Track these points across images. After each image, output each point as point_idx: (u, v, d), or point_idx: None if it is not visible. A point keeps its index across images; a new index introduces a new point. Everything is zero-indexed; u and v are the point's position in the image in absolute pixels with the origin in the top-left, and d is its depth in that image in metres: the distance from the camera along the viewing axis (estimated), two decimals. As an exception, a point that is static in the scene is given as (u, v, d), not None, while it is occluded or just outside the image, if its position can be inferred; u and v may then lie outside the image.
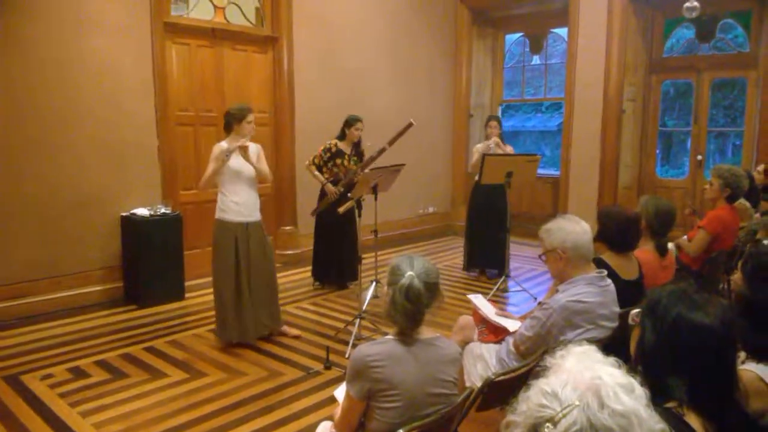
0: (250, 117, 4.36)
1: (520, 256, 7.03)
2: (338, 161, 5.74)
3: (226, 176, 4.32)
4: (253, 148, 4.38)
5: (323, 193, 5.73)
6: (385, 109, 7.72)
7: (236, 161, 4.27)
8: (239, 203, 4.36)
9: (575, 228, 2.69)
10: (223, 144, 4.34)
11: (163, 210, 5.57)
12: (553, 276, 2.90)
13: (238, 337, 4.43)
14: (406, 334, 2.10)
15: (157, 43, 5.66)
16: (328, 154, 5.72)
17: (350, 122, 5.75)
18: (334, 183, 5.64)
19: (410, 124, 5.17)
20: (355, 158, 5.80)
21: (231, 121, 4.36)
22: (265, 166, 4.48)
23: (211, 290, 5.79)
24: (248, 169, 4.35)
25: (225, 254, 4.37)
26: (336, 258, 5.92)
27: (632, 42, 7.61)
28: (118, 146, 5.52)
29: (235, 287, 4.39)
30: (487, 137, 6.36)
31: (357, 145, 5.85)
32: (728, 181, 4.36)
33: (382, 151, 5.40)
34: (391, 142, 5.34)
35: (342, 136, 5.80)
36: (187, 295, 5.65)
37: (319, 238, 5.96)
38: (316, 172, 5.73)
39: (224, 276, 4.38)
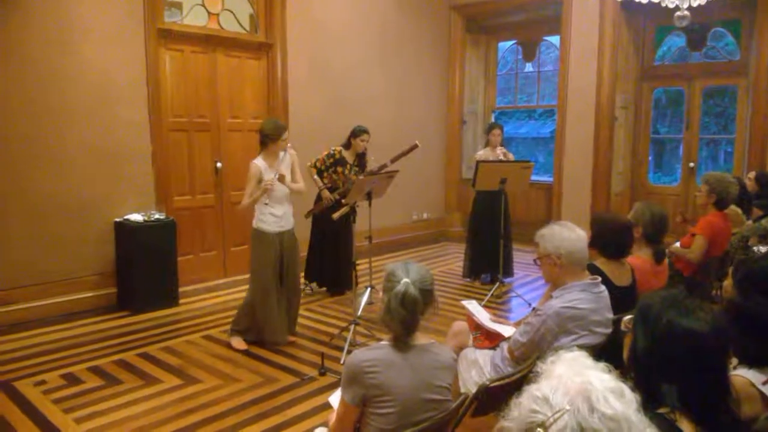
0: (285, 135, 4.48)
1: (514, 261, 7.03)
2: (339, 169, 5.74)
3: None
4: (287, 159, 4.50)
5: (320, 198, 5.75)
6: (379, 115, 7.75)
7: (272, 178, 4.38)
8: (276, 215, 4.46)
9: (570, 235, 2.71)
10: (259, 163, 4.41)
11: (156, 216, 5.56)
12: (547, 281, 2.92)
13: (260, 339, 4.55)
14: (401, 340, 2.11)
15: (150, 50, 5.66)
16: (331, 160, 5.73)
17: (356, 133, 5.76)
18: (331, 190, 5.65)
19: (415, 146, 5.25)
20: (357, 169, 5.80)
21: (266, 141, 4.45)
22: (299, 182, 4.62)
23: (206, 296, 5.90)
24: (283, 188, 4.47)
25: (265, 263, 4.46)
26: (331, 265, 5.92)
27: (624, 50, 7.67)
28: (112, 152, 5.51)
29: (270, 293, 4.49)
30: (489, 144, 6.39)
31: (362, 157, 5.85)
32: (713, 187, 4.41)
33: (383, 167, 5.42)
34: (393, 160, 5.37)
35: (347, 145, 5.80)
36: (180, 301, 5.64)
37: (313, 245, 5.97)
38: (316, 176, 5.75)
39: (260, 282, 4.48)
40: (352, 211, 4.75)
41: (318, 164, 5.76)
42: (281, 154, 4.44)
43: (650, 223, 3.51)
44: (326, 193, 5.64)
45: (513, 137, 13.60)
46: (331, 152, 5.76)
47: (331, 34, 7.33)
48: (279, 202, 4.46)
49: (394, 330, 2.09)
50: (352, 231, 4.85)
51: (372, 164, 5.68)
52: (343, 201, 5.08)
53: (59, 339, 4.71)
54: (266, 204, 4.39)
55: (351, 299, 4.98)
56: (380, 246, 7.49)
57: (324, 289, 6.06)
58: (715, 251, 4.37)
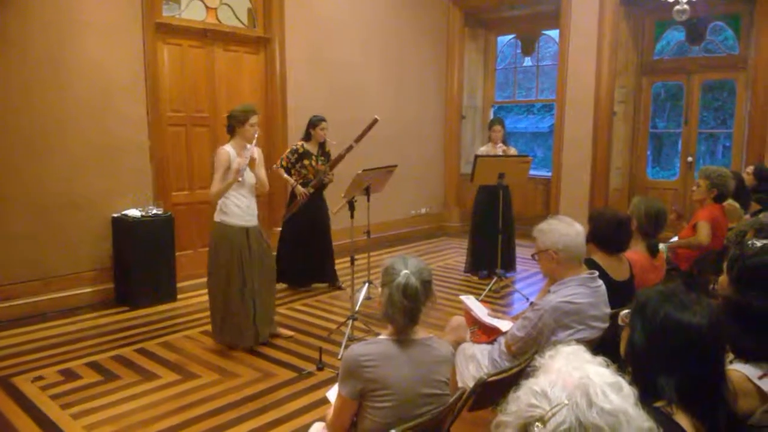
0: (254, 119, 4.22)
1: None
2: (306, 162, 5.69)
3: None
4: (257, 152, 4.31)
5: (293, 196, 5.69)
6: (378, 110, 7.64)
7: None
8: (241, 207, 4.28)
9: (568, 230, 2.70)
10: (228, 149, 4.21)
11: (154, 211, 5.55)
12: (545, 276, 2.92)
13: (236, 342, 4.36)
14: (402, 333, 2.11)
15: (149, 44, 5.64)
16: (295, 156, 5.67)
17: (314, 123, 5.71)
18: (304, 185, 5.62)
19: (375, 120, 5.26)
20: (322, 158, 5.77)
21: (234, 124, 4.23)
22: (264, 174, 4.42)
23: (204, 291, 5.81)
24: (251, 176, 4.29)
25: (226, 257, 4.28)
26: (304, 260, 5.81)
27: (623, 44, 7.65)
28: (110, 147, 5.50)
29: (238, 291, 4.29)
30: (491, 140, 6.38)
31: (322, 146, 5.82)
32: (714, 182, 4.41)
33: (349, 148, 5.42)
34: (357, 140, 5.38)
35: (307, 137, 5.76)
36: (179, 296, 5.63)
37: (284, 240, 5.83)
38: (285, 175, 5.70)
39: (224, 279, 4.30)
40: (351, 206, 4.74)
41: (284, 163, 5.71)
42: (248, 146, 4.20)
43: (644, 217, 3.52)
44: (300, 189, 5.57)
45: (512, 132, 13.60)
46: (294, 148, 5.71)
47: (330, 28, 7.31)
48: (244, 192, 4.26)
49: (397, 322, 2.09)
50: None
51: (336, 149, 5.66)
52: (342, 196, 5.07)
53: (57, 334, 4.71)
54: (230, 194, 4.19)
55: (349, 294, 4.98)
56: (378, 241, 7.49)
57: (297, 288, 5.94)
58: (713, 244, 4.37)
